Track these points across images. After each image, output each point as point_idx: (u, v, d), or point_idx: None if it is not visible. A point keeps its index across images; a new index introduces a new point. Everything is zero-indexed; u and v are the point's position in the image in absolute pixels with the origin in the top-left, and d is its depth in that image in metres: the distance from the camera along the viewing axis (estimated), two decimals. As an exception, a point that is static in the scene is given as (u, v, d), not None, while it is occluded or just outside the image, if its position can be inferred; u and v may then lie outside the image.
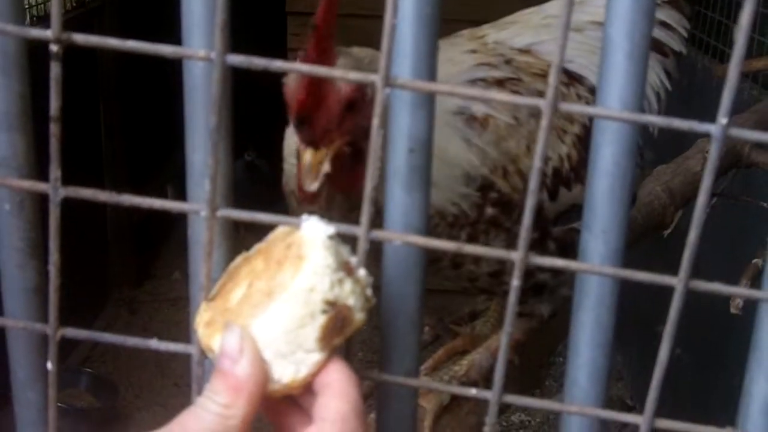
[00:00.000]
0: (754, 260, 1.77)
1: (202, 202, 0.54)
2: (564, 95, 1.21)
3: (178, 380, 3.39)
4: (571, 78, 1.24)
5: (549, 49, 1.24)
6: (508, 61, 1.19)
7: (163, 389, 3.35)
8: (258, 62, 0.50)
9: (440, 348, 1.44)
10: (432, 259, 1.11)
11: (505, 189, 1.10)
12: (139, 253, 3.92)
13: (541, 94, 1.15)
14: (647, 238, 1.78)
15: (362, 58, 0.99)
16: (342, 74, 0.49)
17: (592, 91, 1.24)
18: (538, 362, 3.41)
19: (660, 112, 1.40)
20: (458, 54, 1.17)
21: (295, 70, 0.50)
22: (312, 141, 0.94)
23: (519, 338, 1.33)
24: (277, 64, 0.50)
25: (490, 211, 1.10)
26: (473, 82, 1.14)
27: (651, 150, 1.58)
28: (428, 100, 0.55)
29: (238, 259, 0.57)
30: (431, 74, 0.54)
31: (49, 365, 0.56)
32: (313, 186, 0.94)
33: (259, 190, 3.62)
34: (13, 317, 0.64)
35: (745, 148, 1.87)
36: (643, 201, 1.74)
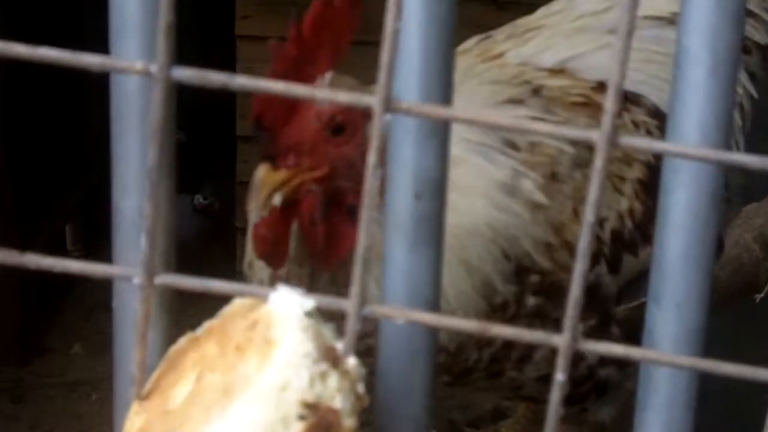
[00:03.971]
0: None
1: (135, 264, 0.54)
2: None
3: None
4: (623, 98, 1.24)
5: (591, 63, 1.25)
6: (536, 91, 1.20)
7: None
8: (215, 78, 0.51)
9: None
10: (461, 370, 1.11)
11: (550, 268, 1.11)
12: (27, 320, 3.88)
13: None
14: (734, 303, 1.78)
15: (358, 86, 1.01)
16: (327, 95, 0.50)
17: (654, 114, 1.24)
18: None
19: (745, 129, 1.41)
20: (469, 86, 1.18)
21: (262, 89, 0.51)
22: (270, 155, 0.96)
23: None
24: (240, 81, 0.51)
25: (531, 300, 1.11)
26: (505, 140, 1.14)
27: (739, 175, 1.55)
28: (441, 129, 0.55)
29: (182, 341, 0.57)
30: (445, 94, 0.55)
31: None
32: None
33: (213, 246, 3.62)
34: None
35: None
36: (730, 254, 1.74)
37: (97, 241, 4.20)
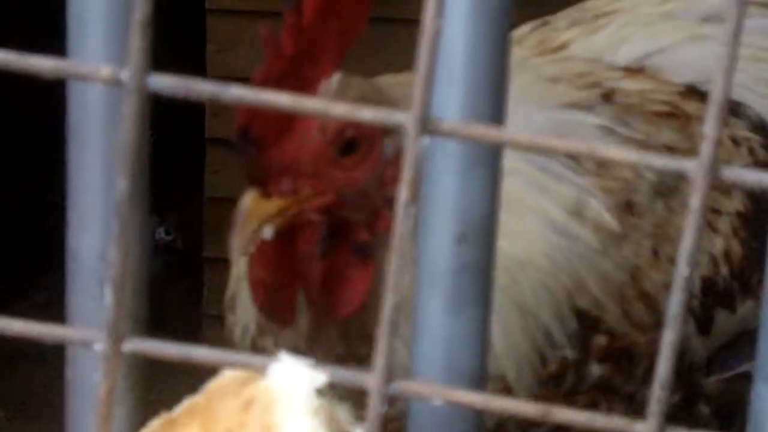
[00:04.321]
0: None
1: (95, 325, 0.53)
2: None
3: None
4: None
5: (680, 60, 1.24)
6: (608, 96, 1.19)
7: None
8: (203, 88, 0.51)
9: None
10: None
11: (621, 328, 1.10)
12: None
13: (670, 149, 1.15)
14: None
15: (386, 92, 1.00)
16: (346, 111, 0.50)
17: (760, 128, 1.23)
18: None
19: None
20: (519, 84, 1.17)
21: (264, 102, 0.51)
22: (260, 179, 0.95)
23: None
24: (235, 92, 0.51)
25: (596, 369, 1.09)
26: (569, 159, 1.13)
27: None
28: (490, 156, 0.55)
29: (155, 425, 0.57)
30: (497, 111, 0.55)
31: None
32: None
33: (176, 282, 3.63)
34: None
35: None
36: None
37: (11, 275, 4.21)
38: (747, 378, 1.14)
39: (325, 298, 1.00)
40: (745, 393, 1.14)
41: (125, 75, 0.50)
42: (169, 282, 3.78)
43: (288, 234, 0.97)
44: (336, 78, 0.97)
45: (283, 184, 0.95)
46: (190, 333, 2.92)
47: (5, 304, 4.10)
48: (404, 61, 0.96)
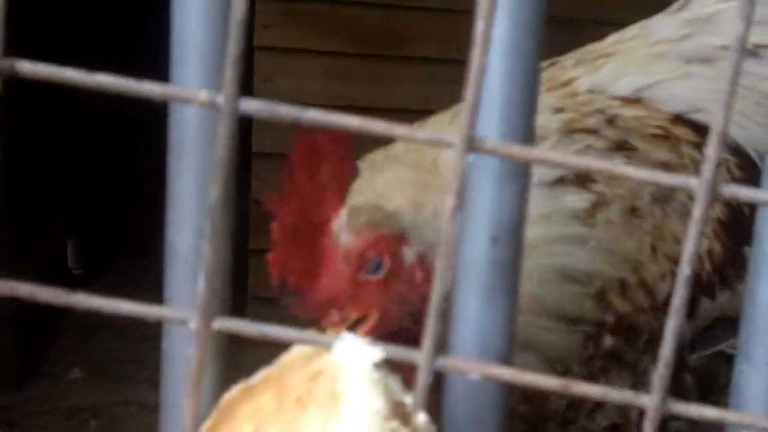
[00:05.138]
0: None
1: (188, 306, 0.53)
2: (696, 162, 1.19)
3: None
4: (701, 133, 1.23)
5: (669, 93, 1.24)
6: (611, 120, 1.19)
7: None
8: (284, 111, 0.51)
9: None
10: (537, 420, 1.10)
11: (625, 309, 1.11)
12: (23, 341, 3.87)
13: (664, 166, 1.15)
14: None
15: (386, 211, 0.97)
16: (407, 133, 0.49)
17: (735, 151, 1.23)
18: None
19: None
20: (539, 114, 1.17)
21: (335, 125, 0.50)
22: (311, 319, 0.93)
23: None
24: (311, 115, 0.51)
25: (608, 341, 1.10)
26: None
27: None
28: (521, 171, 0.55)
29: (236, 390, 0.56)
30: (528, 134, 0.54)
31: None
32: None
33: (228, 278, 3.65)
34: None
35: None
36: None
37: (97, 260, 4.21)
38: (722, 355, 1.14)
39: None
40: (720, 367, 1.15)
41: (221, 99, 0.50)
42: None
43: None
44: (343, 212, 0.95)
45: (332, 316, 0.94)
46: (237, 312, 2.92)
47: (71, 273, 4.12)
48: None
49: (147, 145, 2.24)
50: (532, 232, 1.06)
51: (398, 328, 0.97)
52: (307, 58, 3.33)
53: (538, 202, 1.07)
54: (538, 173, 1.08)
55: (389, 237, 0.96)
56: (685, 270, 0.48)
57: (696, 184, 0.48)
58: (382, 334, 0.95)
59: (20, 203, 3.69)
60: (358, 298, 0.94)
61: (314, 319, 0.92)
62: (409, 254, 0.98)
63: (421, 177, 1.03)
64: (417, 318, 0.98)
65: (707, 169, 0.47)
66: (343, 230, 0.93)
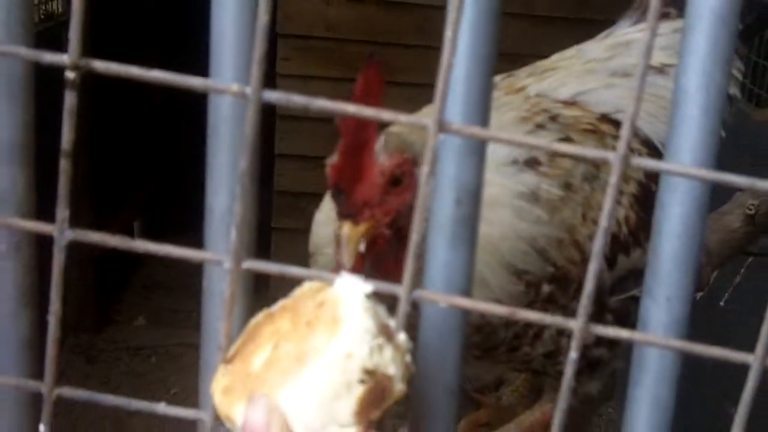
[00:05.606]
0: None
1: (223, 251, 0.52)
2: (616, 148, 1.19)
3: (138, 439, 3.34)
4: (621, 129, 1.23)
5: (597, 98, 1.24)
6: (553, 118, 1.20)
7: (121, 449, 3.30)
8: (297, 100, 0.50)
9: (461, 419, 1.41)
10: (489, 347, 1.11)
11: (561, 262, 1.11)
12: (99, 295, 3.88)
13: None
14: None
15: (408, 139, 1.00)
16: (392, 117, 0.48)
17: (645, 143, 1.24)
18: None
19: None
20: (498, 113, 1.17)
21: (338, 110, 0.50)
22: (349, 214, 0.95)
23: (552, 415, 1.31)
24: (319, 103, 0.50)
25: (546, 288, 1.11)
26: (528, 156, 1.12)
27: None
28: (479, 148, 0.54)
29: (260, 316, 0.56)
30: (484, 120, 0.54)
31: (42, 428, 0.55)
32: (348, 262, 0.94)
33: (254, 253, 3.70)
34: (1, 373, 0.62)
35: (787, 206, 1.86)
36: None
37: (160, 236, 4.18)
38: (634, 299, 1.14)
39: (392, 278, 1.01)
40: (632, 308, 1.15)
41: (248, 90, 0.49)
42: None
43: (371, 242, 0.98)
44: (380, 140, 0.97)
45: (365, 213, 0.96)
46: (260, 283, 2.92)
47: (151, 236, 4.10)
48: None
49: (197, 144, 2.23)
50: (493, 202, 1.07)
51: (401, 228, 0.98)
52: (318, 82, 3.36)
53: (498, 178, 1.07)
54: (499, 156, 1.08)
55: (410, 160, 0.98)
56: (603, 222, 0.48)
57: (613, 157, 0.47)
58: (391, 230, 0.98)
59: (98, 192, 3.69)
60: (383, 203, 0.96)
61: (351, 217, 0.96)
62: (419, 174, 1.00)
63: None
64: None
65: (621, 145, 0.47)
66: (381, 151, 0.96)
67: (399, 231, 0.99)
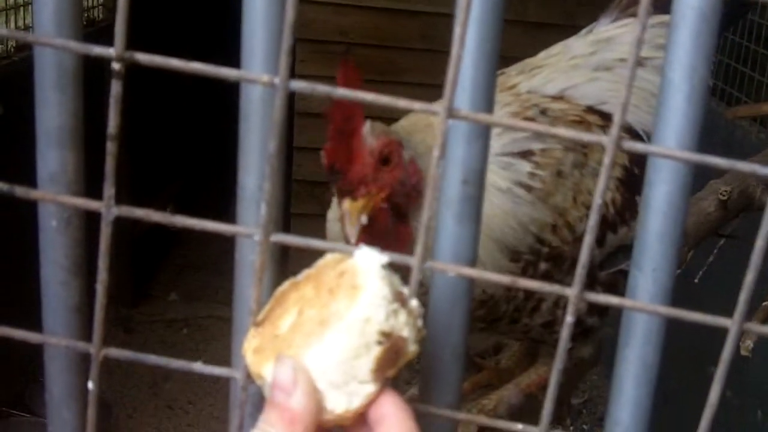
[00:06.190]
0: (765, 302, 1.75)
1: (253, 225, 0.52)
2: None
3: (172, 402, 3.36)
4: (605, 119, 1.23)
5: (583, 92, 1.24)
6: (543, 111, 1.20)
7: (157, 411, 3.32)
8: (321, 89, 0.49)
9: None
10: (492, 319, 1.11)
11: (556, 243, 1.11)
12: (136, 272, 3.90)
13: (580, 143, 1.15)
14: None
15: (391, 129, 1.02)
16: (407, 104, 0.48)
17: (629, 131, 1.23)
18: (559, 400, 3.42)
19: None
20: (495, 110, 1.17)
21: (354, 97, 0.49)
22: (346, 191, 0.96)
23: (548, 377, 1.31)
24: (340, 92, 0.49)
25: (543, 266, 1.10)
26: (522, 148, 1.12)
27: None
28: (484, 133, 0.54)
29: (286, 284, 0.56)
30: (489, 107, 0.53)
31: (91, 385, 0.55)
32: (352, 234, 0.95)
33: None
34: (53, 335, 0.62)
35: (757, 191, 1.86)
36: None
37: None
38: (622, 272, 1.14)
39: (392, 243, 1.02)
40: (621, 281, 1.15)
41: (277, 80, 0.49)
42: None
43: (372, 216, 0.98)
44: (366, 125, 0.98)
45: (361, 190, 0.97)
46: (282, 252, 2.92)
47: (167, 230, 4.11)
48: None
49: (222, 149, 2.23)
50: (494, 188, 1.07)
51: (396, 202, 1.00)
52: (332, 82, 3.33)
53: (496, 168, 1.07)
54: (495, 149, 1.08)
55: (396, 141, 0.99)
56: (596, 200, 0.48)
57: (606, 140, 0.47)
58: (389, 204, 1.00)
59: (135, 183, 3.70)
60: (376, 180, 0.98)
61: (349, 193, 0.97)
62: (406, 155, 1.02)
63: (410, 127, 1.08)
64: (408, 196, 1.01)
65: (613, 129, 0.47)
66: (368, 134, 0.97)
67: (397, 207, 1.00)
